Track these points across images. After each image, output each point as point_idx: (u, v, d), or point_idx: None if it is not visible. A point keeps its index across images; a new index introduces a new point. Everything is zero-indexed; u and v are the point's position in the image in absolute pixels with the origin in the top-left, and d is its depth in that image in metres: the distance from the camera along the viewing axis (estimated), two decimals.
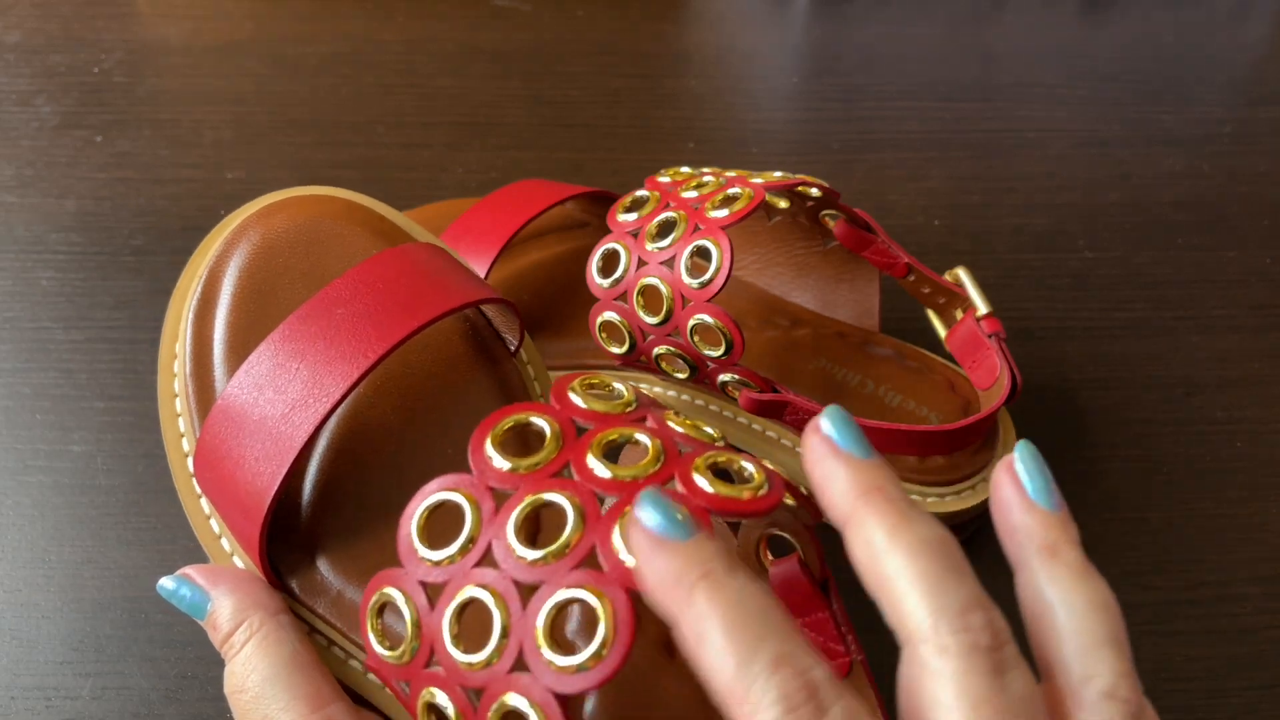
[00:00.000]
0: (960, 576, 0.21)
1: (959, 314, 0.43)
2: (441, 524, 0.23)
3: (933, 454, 0.40)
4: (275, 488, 0.26)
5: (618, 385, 0.26)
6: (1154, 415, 0.46)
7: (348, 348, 0.26)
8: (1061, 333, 0.49)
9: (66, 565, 0.39)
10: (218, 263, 0.31)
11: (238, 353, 0.30)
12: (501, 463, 0.23)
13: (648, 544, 0.20)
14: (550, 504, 0.22)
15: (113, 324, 0.47)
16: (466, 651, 0.21)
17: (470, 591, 0.21)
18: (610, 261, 0.38)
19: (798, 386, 0.43)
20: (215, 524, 0.30)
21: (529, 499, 0.22)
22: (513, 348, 0.33)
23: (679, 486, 0.22)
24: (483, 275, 0.41)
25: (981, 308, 0.41)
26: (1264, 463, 0.44)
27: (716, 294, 0.35)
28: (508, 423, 0.23)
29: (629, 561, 0.20)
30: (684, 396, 0.42)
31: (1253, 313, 0.51)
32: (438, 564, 0.22)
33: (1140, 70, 0.66)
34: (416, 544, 0.22)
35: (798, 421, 0.39)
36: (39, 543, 0.39)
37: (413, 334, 0.26)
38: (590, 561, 0.21)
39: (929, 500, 0.39)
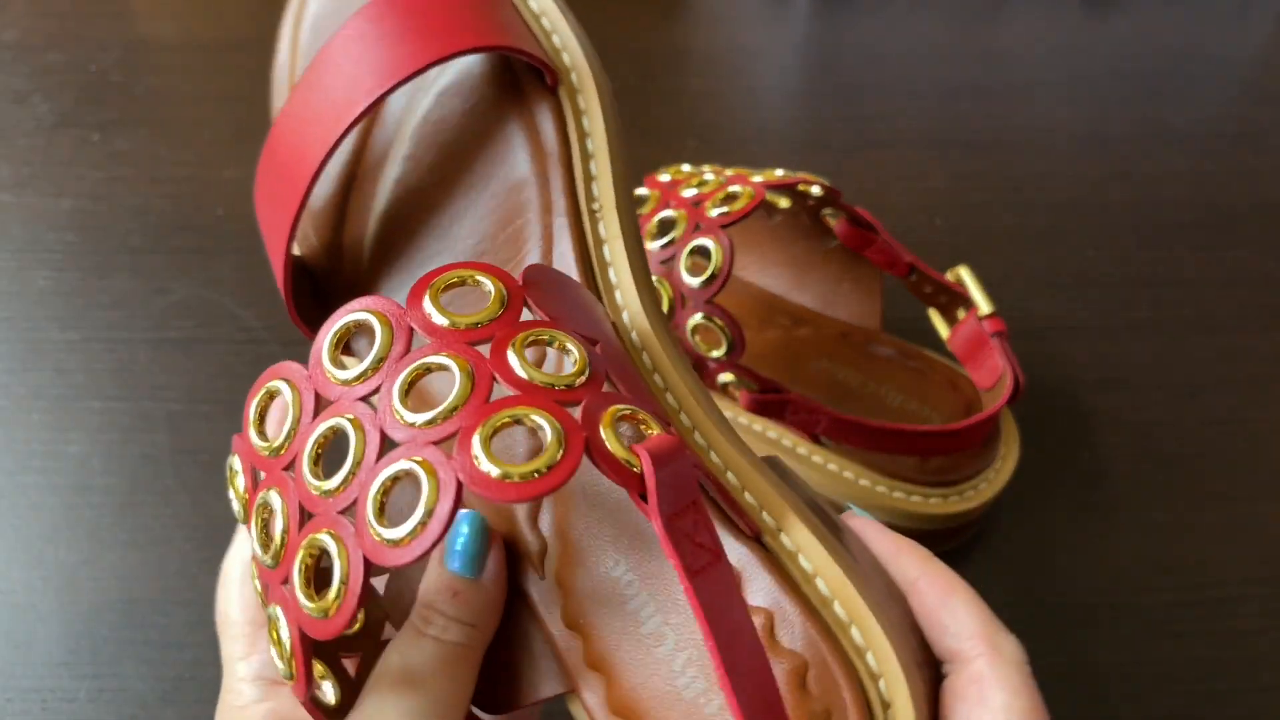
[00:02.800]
0: None
1: (961, 314, 0.43)
2: (359, 343, 0.23)
3: (935, 454, 0.40)
4: (318, 161, 0.27)
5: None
6: (1156, 415, 0.46)
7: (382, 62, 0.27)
8: (1063, 332, 0.49)
9: (63, 567, 0.39)
10: None
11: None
12: (437, 317, 0.22)
13: (881, 527, 0.25)
14: (443, 367, 0.21)
15: (109, 324, 0.47)
16: (316, 475, 0.21)
17: (342, 422, 0.21)
18: None
19: (799, 386, 0.42)
20: None
21: (424, 361, 0.21)
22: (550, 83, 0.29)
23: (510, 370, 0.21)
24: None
25: (984, 307, 0.41)
26: (1266, 463, 0.44)
27: (717, 293, 0.35)
28: (451, 277, 0.23)
29: (488, 470, 0.20)
30: None
31: (1255, 312, 0.51)
32: (337, 381, 0.22)
33: (1142, 69, 0.65)
34: (325, 354, 0.22)
35: (799, 422, 0.39)
36: (35, 544, 0.39)
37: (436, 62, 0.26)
38: (449, 445, 0.20)
39: (930, 500, 0.39)
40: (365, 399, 0.21)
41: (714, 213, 0.36)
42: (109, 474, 0.41)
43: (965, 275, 0.42)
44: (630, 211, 0.28)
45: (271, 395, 0.23)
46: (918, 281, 0.43)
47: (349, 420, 0.21)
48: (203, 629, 0.37)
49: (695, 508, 0.20)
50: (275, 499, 0.22)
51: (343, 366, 0.22)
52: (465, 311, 0.22)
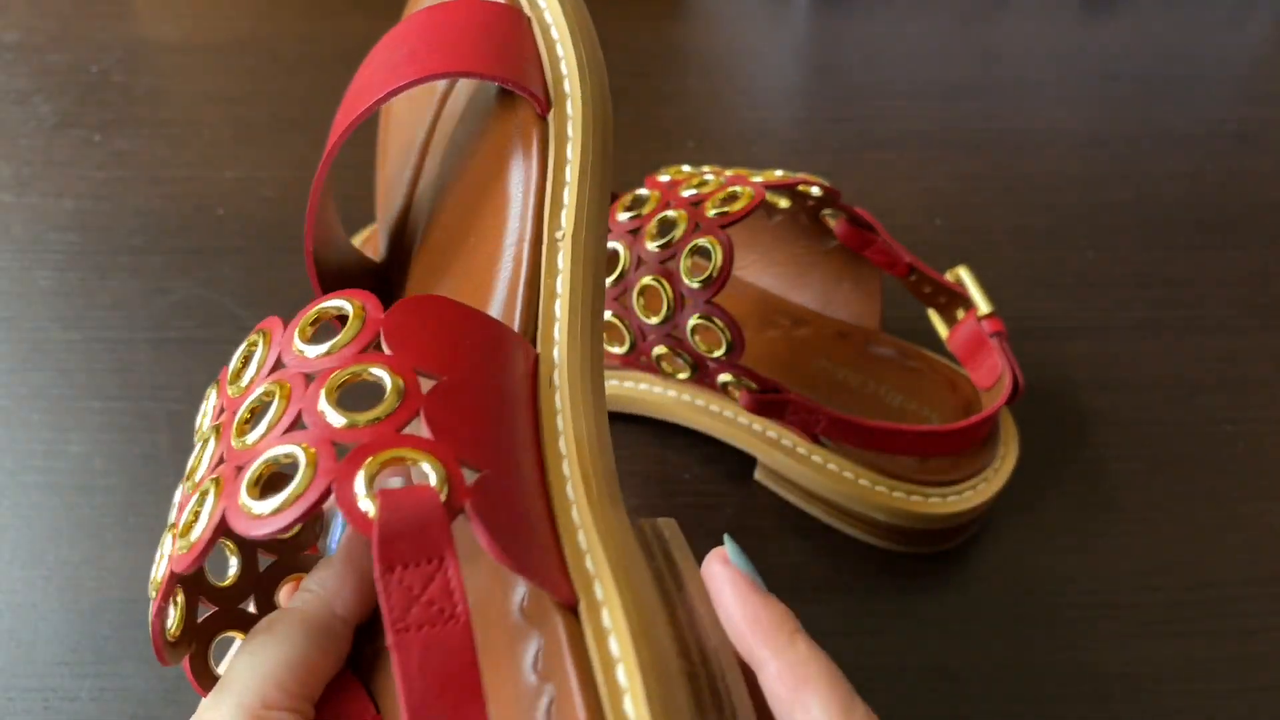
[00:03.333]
0: None
1: (960, 314, 0.43)
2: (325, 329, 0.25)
3: (934, 454, 0.40)
4: (333, 146, 0.30)
5: None
6: (1156, 415, 0.46)
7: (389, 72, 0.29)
8: (1063, 333, 0.49)
9: (64, 566, 0.39)
10: None
11: None
12: (307, 349, 0.24)
13: (745, 587, 0.24)
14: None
15: (110, 324, 0.47)
16: (240, 428, 0.23)
17: (267, 387, 0.23)
18: (610, 261, 0.38)
19: (799, 387, 0.42)
20: None
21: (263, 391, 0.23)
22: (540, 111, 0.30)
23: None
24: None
25: (983, 307, 0.41)
26: (1266, 463, 0.44)
27: (716, 293, 0.35)
28: (329, 309, 0.24)
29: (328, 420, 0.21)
30: (684, 396, 0.42)
31: (1255, 313, 0.51)
32: (309, 357, 0.23)
33: (1142, 69, 0.65)
34: (297, 332, 0.24)
35: (799, 422, 0.39)
36: (36, 544, 0.39)
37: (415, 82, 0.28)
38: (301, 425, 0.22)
39: (930, 500, 0.39)
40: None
41: (714, 213, 0.36)
42: (110, 473, 0.41)
43: (965, 275, 0.42)
44: (596, 244, 0.28)
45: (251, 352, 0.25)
46: (917, 281, 0.43)
47: (273, 384, 0.23)
48: None
49: (436, 564, 0.20)
50: (210, 444, 0.24)
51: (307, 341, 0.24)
52: (329, 340, 0.23)
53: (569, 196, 0.28)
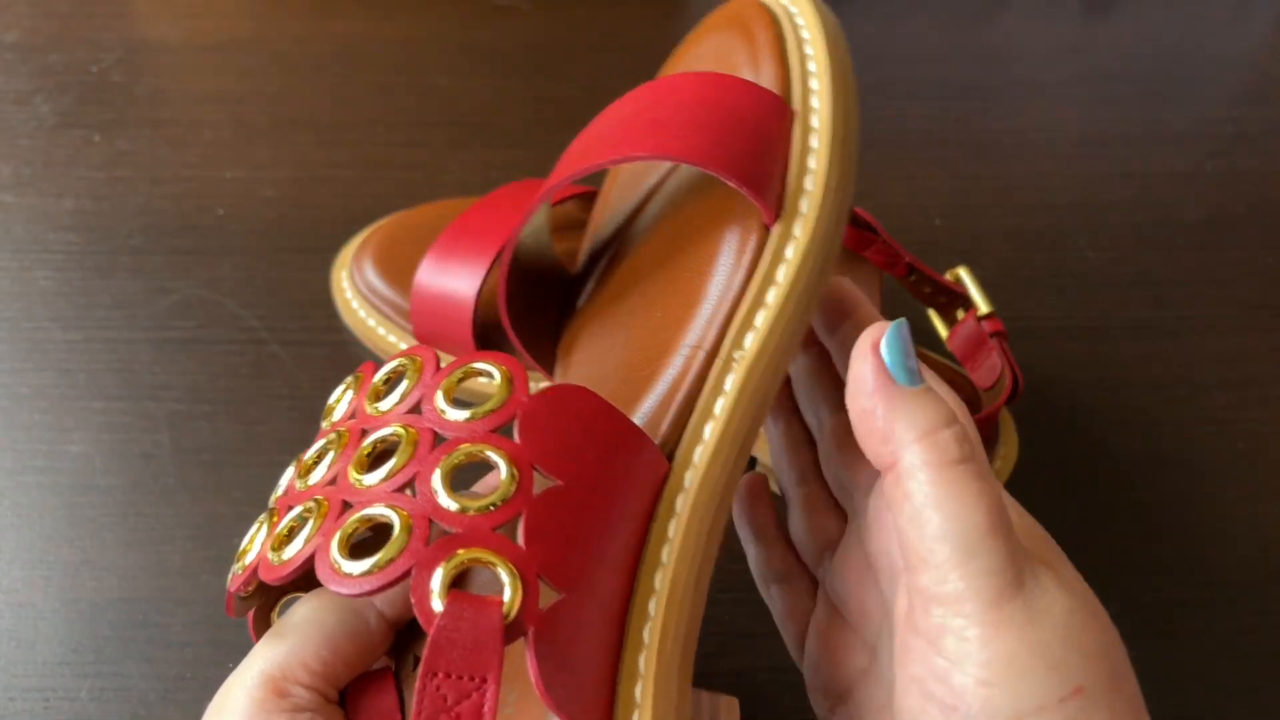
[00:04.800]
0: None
1: (960, 314, 0.43)
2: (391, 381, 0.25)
3: None
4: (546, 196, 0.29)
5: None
6: (1155, 416, 0.46)
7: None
8: (1063, 332, 0.49)
9: (65, 566, 0.39)
10: None
11: None
12: (455, 412, 0.24)
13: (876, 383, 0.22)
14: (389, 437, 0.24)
15: (111, 324, 0.47)
16: (361, 461, 0.23)
17: (399, 429, 0.23)
18: None
19: None
20: None
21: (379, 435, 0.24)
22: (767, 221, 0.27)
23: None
24: (482, 275, 0.41)
25: (983, 307, 0.41)
26: (1266, 464, 0.44)
27: None
28: (472, 369, 0.24)
29: (445, 504, 0.21)
30: None
31: (1254, 313, 0.51)
32: (447, 418, 0.23)
33: (1142, 69, 0.65)
34: (442, 389, 0.24)
35: None
36: (37, 544, 0.39)
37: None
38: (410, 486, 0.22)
39: None
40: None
41: None
42: (111, 473, 0.41)
43: (965, 275, 0.42)
44: (771, 378, 0.26)
45: (400, 370, 0.25)
46: (917, 282, 0.43)
47: (402, 429, 0.23)
48: (204, 628, 0.37)
49: (478, 683, 0.20)
50: (331, 453, 0.24)
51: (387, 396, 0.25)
52: (480, 403, 0.23)
53: (762, 320, 0.26)
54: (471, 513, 0.21)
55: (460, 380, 0.24)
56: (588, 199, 0.46)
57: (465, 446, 0.22)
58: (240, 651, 0.36)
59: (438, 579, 0.20)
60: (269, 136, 0.57)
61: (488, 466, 0.22)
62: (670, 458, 0.25)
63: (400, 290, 0.44)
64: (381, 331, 0.45)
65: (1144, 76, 0.65)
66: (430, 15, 0.65)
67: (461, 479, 0.22)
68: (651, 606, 0.24)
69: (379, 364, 0.26)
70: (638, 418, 0.26)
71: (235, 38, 0.63)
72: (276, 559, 0.22)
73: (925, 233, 0.54)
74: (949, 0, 0.70)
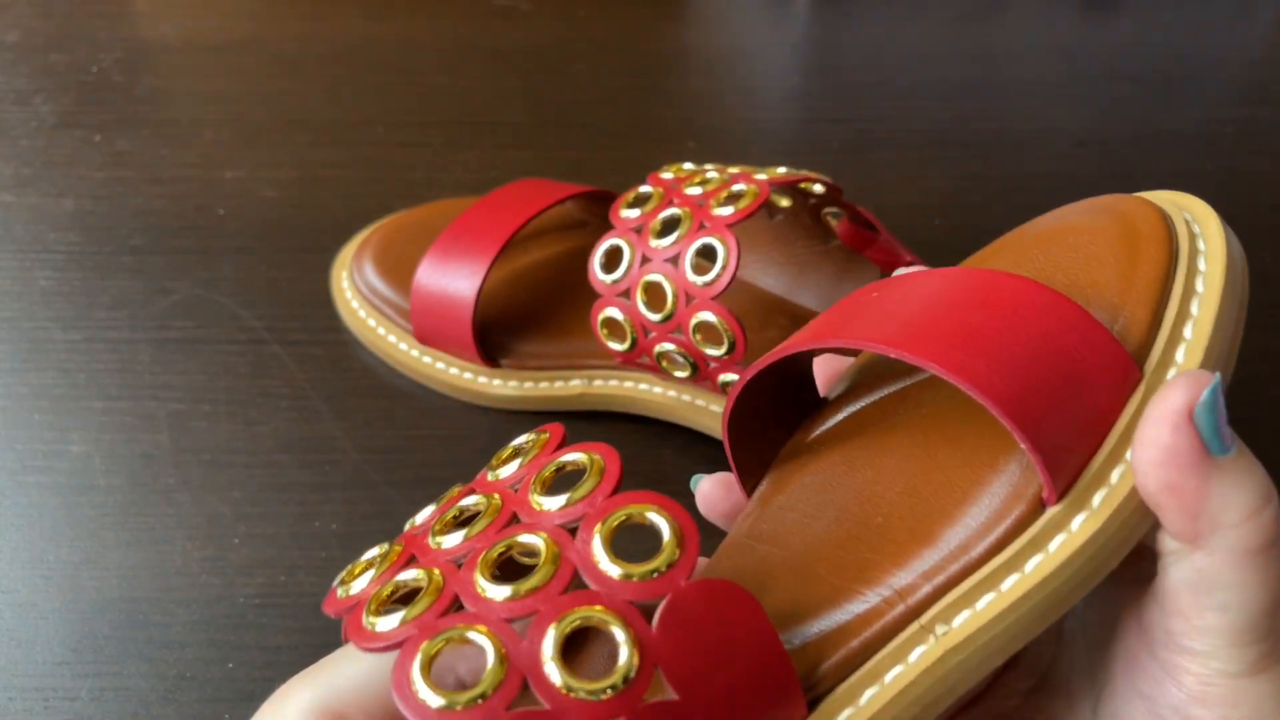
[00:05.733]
0: None
1: None
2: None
3: None
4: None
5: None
6: None
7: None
8: None
9: (64, 566, 0.39)
10: None
11: None
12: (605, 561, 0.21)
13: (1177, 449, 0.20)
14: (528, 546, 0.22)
15: (111, 324, 0.47)
16: (487, 567, 0.21)
17: (538, 541, 0.21)
18: (613, 258, 0.38)
19: None
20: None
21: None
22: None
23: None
24: (482, 275, 0.41)
25: None
26: (1266, 463, 0.44)
27: (722, 292, 0.35)
28: (631, 512, 0.21)
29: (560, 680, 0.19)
30: (684, 396, 0.42)
31: (1254, 313, 0.50)
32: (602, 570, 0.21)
33: (1141, 70, 0.65)
34: (535, 483, 0.23)
35: None
36: (37, 543, 0.39)
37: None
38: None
39: None
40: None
41: (719, 211, 0.36)
42: (111, 473, 0.41)
43: None
44: (965, 674, 0.22)
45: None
46: None
47: (544, 539, 0.21)
48: (204, 628, 0.37)
49: None
50: (476, 524, 0.22)
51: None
52: (637, 560, 0.21)
53: (986, 603, 0.22)
54: (578, 695, 0.19)
55: (621, 523, 0.21)
56: (588, 199, 0.46)
57: (594, 612, 0.20)
58: (240, 651, 0.36)
59: None
60: (269, 136, 0.57)
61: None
62: (812, 706, 0.22)
63: (400, 290, 0.44)
64: (381, 331, 0.45)
65: (1144, 76, 0.65)
66: (430, 15, 0.65)
67: (575, 640, 0.20)
68: None
69: (565, 429, 0.24)
70: (800, 629, 0.23)
71: (235, 38, 0.63)
72: (368, 624, 0.21)
73: (925, 233, 0.54)
74: (949, 0, 0.70)
